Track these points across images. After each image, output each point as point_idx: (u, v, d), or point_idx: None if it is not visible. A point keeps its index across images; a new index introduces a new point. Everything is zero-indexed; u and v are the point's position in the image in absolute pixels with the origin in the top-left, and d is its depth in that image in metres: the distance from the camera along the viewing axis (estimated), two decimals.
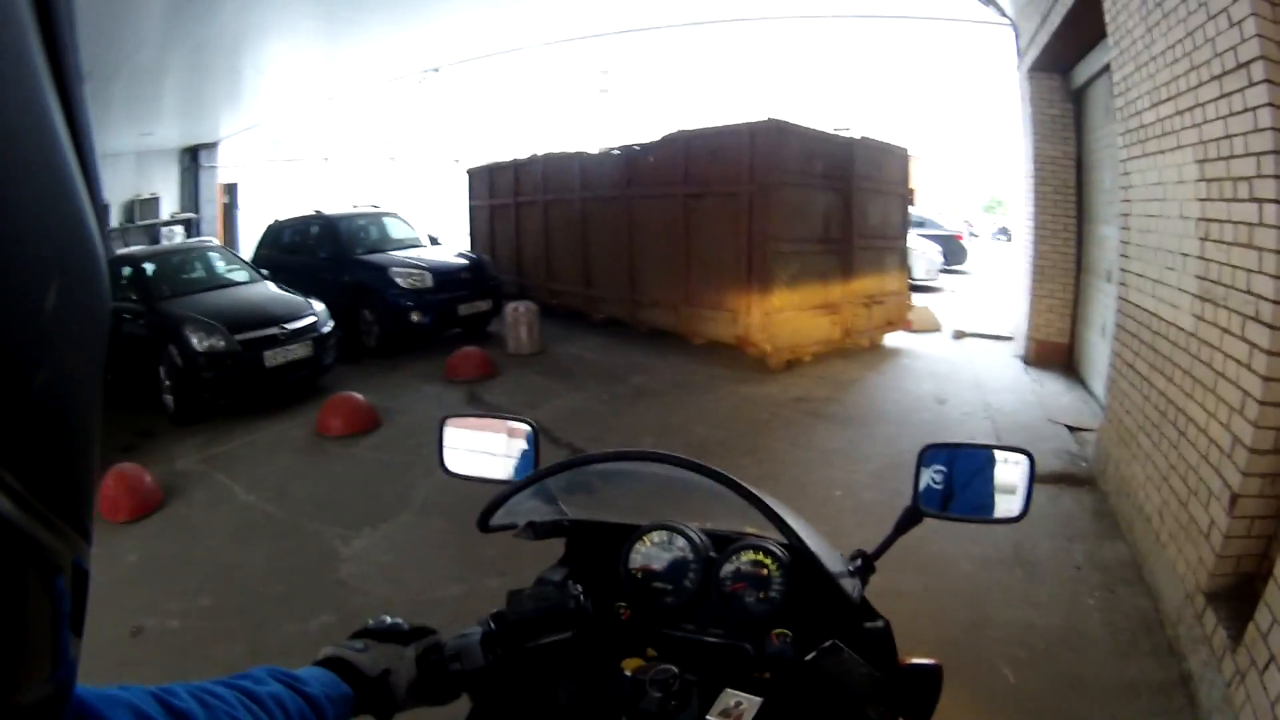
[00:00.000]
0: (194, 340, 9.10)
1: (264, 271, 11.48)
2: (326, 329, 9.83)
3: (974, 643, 4.21)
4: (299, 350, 9.46)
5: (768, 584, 1.64)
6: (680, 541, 1.74)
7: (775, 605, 1.62)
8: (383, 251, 12.63)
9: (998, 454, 1.75)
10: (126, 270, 11.21)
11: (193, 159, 26.04)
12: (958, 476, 1.75)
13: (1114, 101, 6.18)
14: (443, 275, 11.78)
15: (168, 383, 9.49)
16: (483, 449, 2.04)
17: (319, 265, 12.47)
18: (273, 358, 9.29)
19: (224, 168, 26.84)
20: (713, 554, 1.71)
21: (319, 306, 9.95)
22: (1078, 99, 9.49)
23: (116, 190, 25.57)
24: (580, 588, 1.58)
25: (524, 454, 1.97)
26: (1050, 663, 4.05)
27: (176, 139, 25.16)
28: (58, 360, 0.41)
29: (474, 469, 2.02)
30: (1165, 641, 4.20)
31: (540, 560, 1.87)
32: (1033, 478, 1.72)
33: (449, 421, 2.06)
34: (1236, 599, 3.61)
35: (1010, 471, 1.73)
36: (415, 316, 11.33)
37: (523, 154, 15.21)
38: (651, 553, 1.75)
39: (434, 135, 27.44)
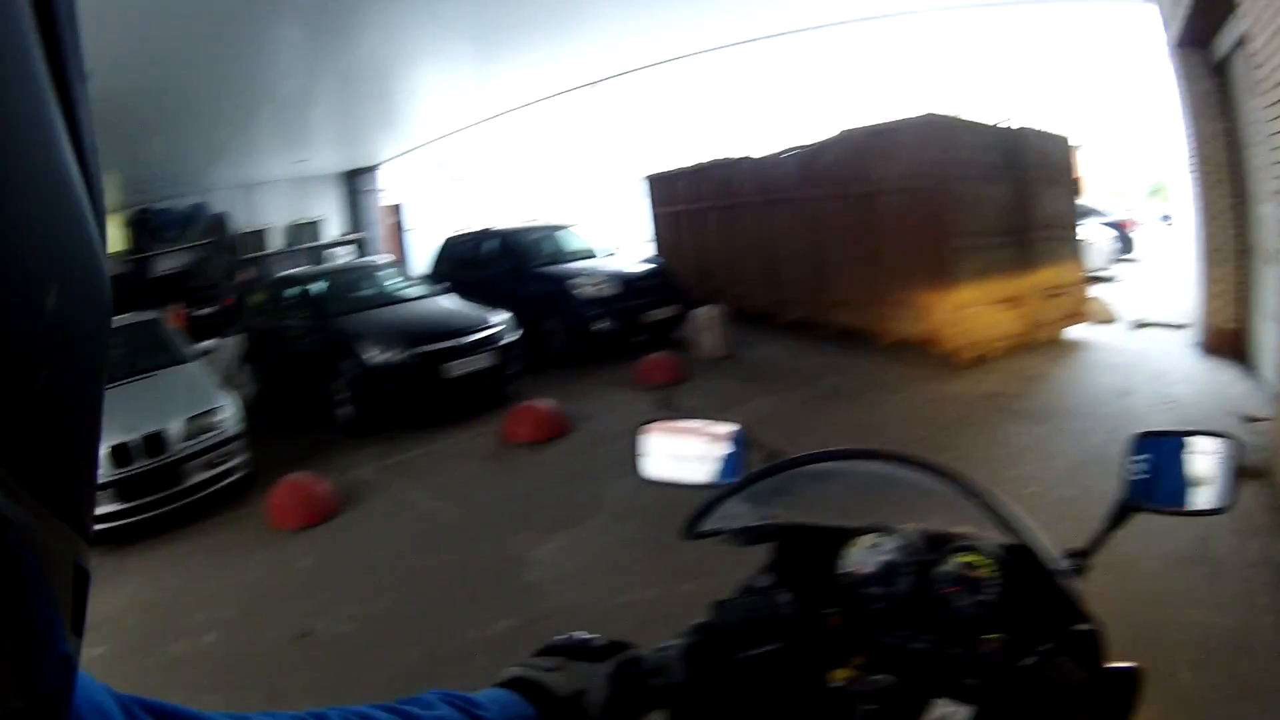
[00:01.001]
0: (368, 354, 9.39)
1: (444, 285, 11.78)
2: (510, 339, 9.98)
3: (1155, 643, 4.01)
4: (481, 361, 9.65)
5: (982, 586, 1.53)
6: (893, 543, 1.63)
7: (988, 608, 1.52)
8: (560, 263, 12.76)
9: (1200, 440, 1.64)
10: (293, 290, 11.69)
11: (354, 182, 26.92)
12: (1162, 466, 1.65)
13: (1253, 74, 5.88)
14: (625, 283, 11.86)
15: (343, 396, 9.74)
16: (682, 454, 1.97)
17: (497, 279, 12.64)
18: (452, 369, 9.47)
19: (387, 189, 27.56)
20: (926, 556, 1.61)
21: (503, 316, 10.13)
22: (1221, 72, 9.00)
23: (277, 214, 26.61)
24: (789, 595, 1.54)
25: (728, 458, 1.89)
26: (1225, 665, 3.89)
27: (335, 164, 25.98)
28: (58, 361, 0.41)
29: (673, 474, 1.98)
30: None
31: (732, 566, 1.80)
32: (1237, 464, 1.61)
33: (647, 427, 2.03)
34: None
35: (1209, 459, 1.62)
36: (599, 325, 11.40)
37: (699, 160, 15.22)
38: (863, 556, 1.63)
39: (599, 147, 27.67)
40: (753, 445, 1.88)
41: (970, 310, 9.78)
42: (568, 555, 5.85)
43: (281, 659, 5.42)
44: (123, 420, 7.94)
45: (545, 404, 8.77)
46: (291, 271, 14.54)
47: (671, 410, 8.38)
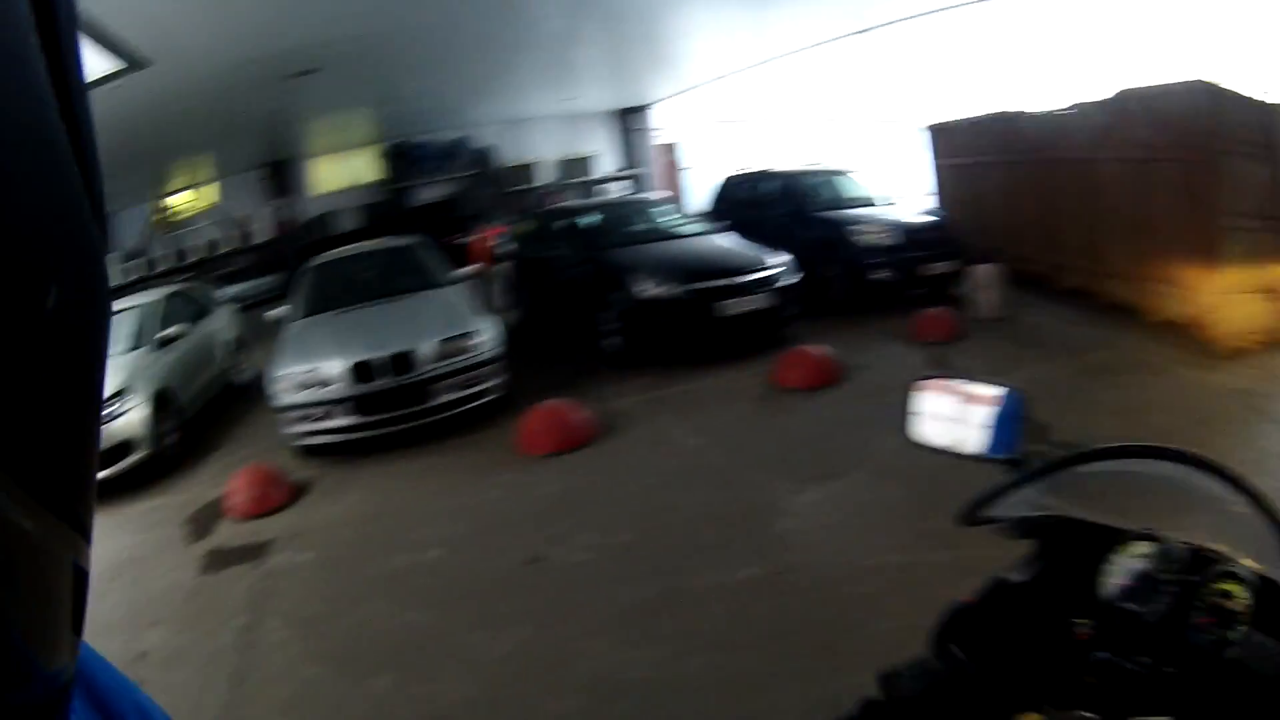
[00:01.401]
0: (640, 287, 9.65)
1: (722, 224, 11.99)
2: (789, 281, 10.07)
3: None
4: (757, 301, 9.75)
5: (1234, 619, 1.34)
6: (1163, 556, 1.44)
7: (1228, 644, 1.32)
8: (839, 209, 12.69)
9: None
10: (563, 222, 12.12)
11: (627, 121, 27.49)
12: None
13: None
14: (904, 234, 11.72)
15: (611, 327, 10.03)
16: (955, 418, 1.84)
17: (776, 221, 12.65)
18: (726, 307, 9.60)
19: (662, 129, 27.92)
20: (1189, 576, 1.41)
21: (783, 258, 10.23)
22: None
23: (546, 149, 27.37)
24: (961, 653, 1.45)
25: (1003, 428, 1.75)
26: None
27: (605, 102, 26.51)
28: (58, 361, 0.41)
29: (944, 439, 1.87)
30: None
31: (987, 542, 1.73)
32: None
33: (922, 384, 1.91)
34: None
35: None
36: (878, 274, 11.33)
37: (976, 113, 14.77)
38: (1129, 565, 1.45)
39: (877, 94, 27.16)
40: (1026, 419, 1.77)
41: (1232, 297, 9.24)
42: (823, 509, 5.83)
43: (506, 582, 5.61)
44: (372, 339, 8.49)
45: (818, 350, 8.81)
46: (564, 203, 15.10)
47: (946, 369, 8.49)
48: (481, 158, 27.77)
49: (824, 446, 6.94)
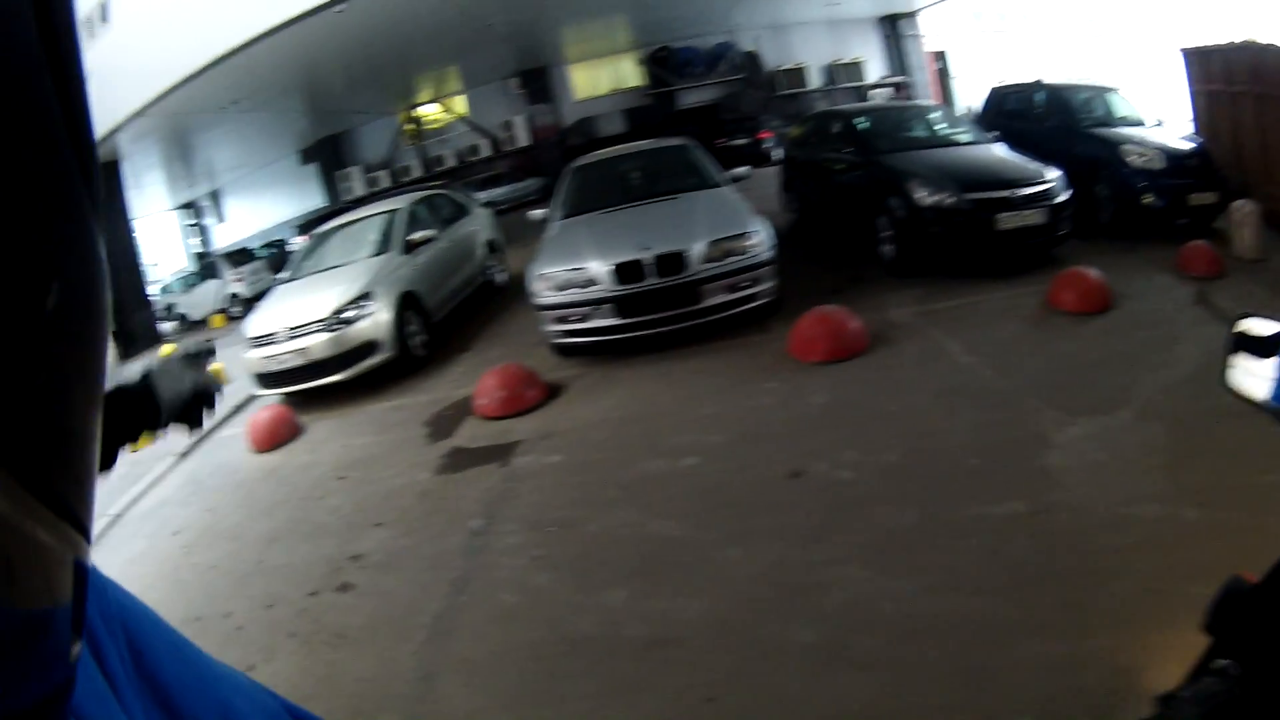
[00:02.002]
0: (921, 193, 9.22)
1: (995, 134, 11.38)
2: (1062, 198, 9.39)
3: None
4: (1032, 216, 9.14)
5: None
6: None
7: None
8: (1109, 127, 11.87)
9: None
10: (837, 125, 11.81)
11: (893, 27, 27.26)
12: None
13: None
14: (1173, 160, 10.79)
15: (887, 234, 9.74)
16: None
17: (1045, 134, 12.06)
18: (1004, 221, 9.06)
19: (928, 36, 27.63)
20: None
21: (1054, 173, 9.55)
22: None
23: (814, 54, 27.50)
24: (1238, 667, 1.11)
25: None
26: None
27: (871, 8, 26.13)
28: (59, 361, 0.41)
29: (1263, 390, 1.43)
30: None
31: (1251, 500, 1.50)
32: None
33: (1243, 324, 1.41)
34: None
35: None
36: (1147, 199, 10.51)
37: (1233, 39, 13.27)
38: None
39: (1138, 12, 25.53)
40: None
41: None
42: (1088, 446, 5.37)
43: (762, 496, 5.38)
44: (638, 239, 8.33)
45: (1092, 273, 8.16)
46: (838, 107, 14.83)
47: (1206, 308, 7.75)
48: (748, 62, 28.09)
49: (1093, 377, 6.48)
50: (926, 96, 26.37)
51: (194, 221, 40.18)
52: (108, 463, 1.40)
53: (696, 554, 4.85)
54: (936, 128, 11.62)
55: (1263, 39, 12.32)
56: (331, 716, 4.05)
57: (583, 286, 8.31)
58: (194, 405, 1.64)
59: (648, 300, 8.18)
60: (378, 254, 10.58)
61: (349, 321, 9.27)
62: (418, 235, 11.00)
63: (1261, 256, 9.65)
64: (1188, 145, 11.47)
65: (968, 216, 9.04)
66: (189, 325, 24.82)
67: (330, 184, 33.21)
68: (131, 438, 1.52)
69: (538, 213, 10.86)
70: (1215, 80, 13.60)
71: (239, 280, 24.20)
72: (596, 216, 9.59)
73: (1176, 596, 3.16)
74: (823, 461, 5.61)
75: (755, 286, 8.33)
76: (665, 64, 28.33)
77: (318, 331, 9.23)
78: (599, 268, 8.27)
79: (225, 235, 37.36)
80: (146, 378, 1.55)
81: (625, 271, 8.16)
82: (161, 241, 40.13)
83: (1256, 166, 12.18)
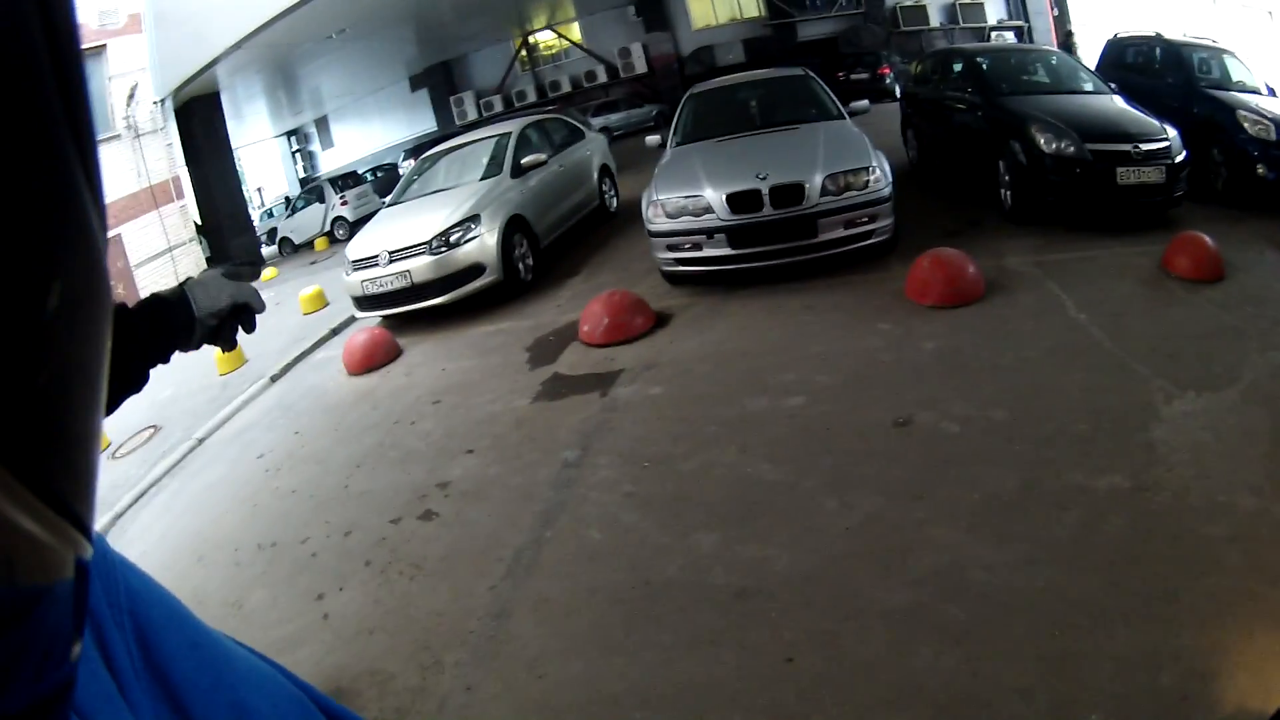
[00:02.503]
0: (1042, 140, 8.89)
1: (1113, 86, 10.90)
2: (1180, 158, 8.96)
3: None
4: (1151, 174, 8.73)
5: None
6: None
7: None
8: (1225, 90, 11.23)
9: None
10: (959, 65, 11.56)
11: None
12: None
13: None
14: None
15: (1007, 178, 9.42)
16: None
17: (1163, 90, 11.49)
18: (1124, 175, 8.68)
19: None
20: None
21: (1173, 132, 9.13)
22: None
23: None
24: None
25: None
26: None
27: None
28: (60, 361, 0.41)
29: None
30: None
31: None
32: None
33: None
34: None
35: None
36: (1261, 169, 9.86)
37: None
38: None
39: None
40: None
41: None
42: (1193, 423, 5.11)
43: (866, 443, 5.23)
44: (754, 168, 8.10)
45: (1208, 241, 7.74)
46: (961, 46, 14.41)
47: None
48: None
49: (1203, 349, 6.16)
50: (1047, 42, 25.82)
51: (299, 148, 40.86)
52: (139, 382, 1.37)
53: (793, 501, 4.71)
54: (1058, 73, 11.19)
55: None
56: (398, 649, 4.09)
57: (696, 214, 8.12)
58: (230, 321, 1.60)
59: (762, 232, 7.95)
60: (487, 177, 10.55)
61: (454, 244, 9.34)
62: (528, 159, 10.92)
63: None
64: None
65: (1088, 167, 8.71)
66: (294, 248, 25.25)
67: (442, 108, 33.54)
68: (163, 356, 1.47)
69: (654, 138, 10.75)
70: None
71: (344, 204, 24.53)
72: (713, 144, 9.38)
73: (1264, 600, 3.18)
74: (931, 411, 5.44)
75: (873, 223, 8.04)
76: None
77: (421, 254, 9.31)
78: (713, 196, 8.05)
79: (333, 160, 38.00)
80: (183, 289, 1.53)
81: (740, 201, 7.92)
82: (268, 168, 40.98)
83: None
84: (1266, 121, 10.04)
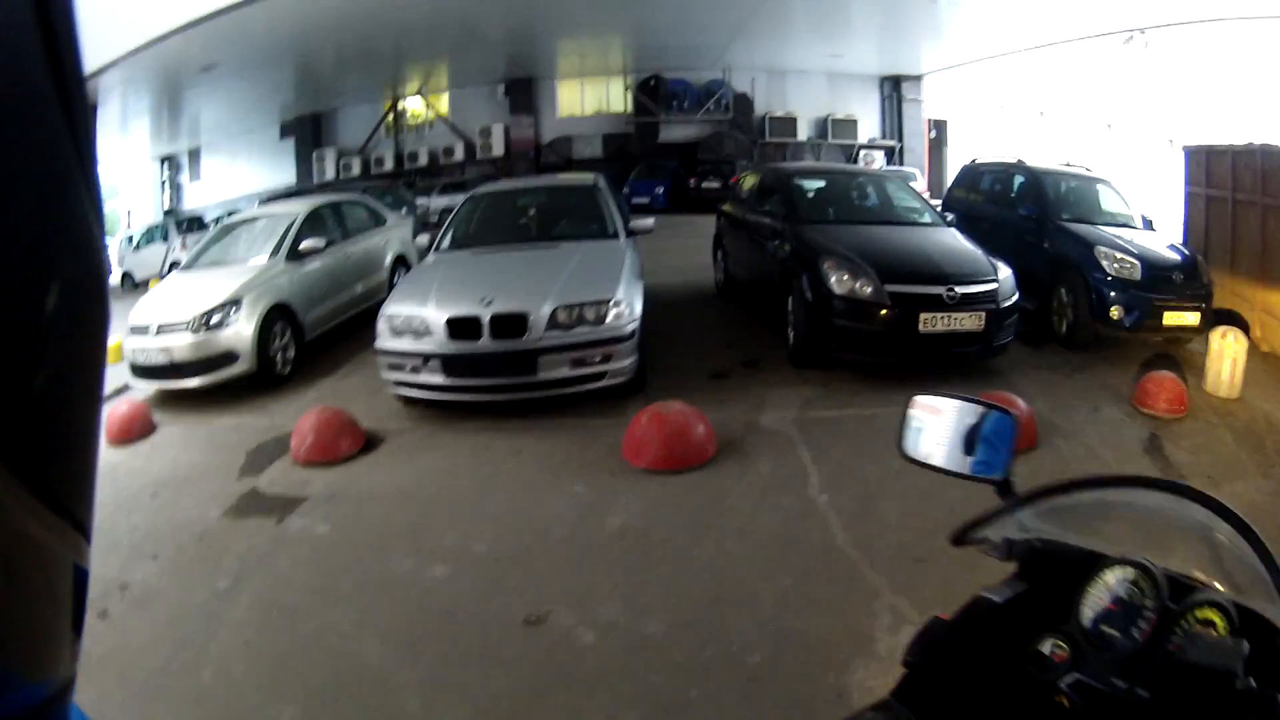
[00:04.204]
0: (833, 278, 8.21)
1: (949, 217, 10.47)
2: (1007, 303, 8.30)
3: None
4: (966, 321, 8.03)
5: (1214, 650, 1.34)
6: (1142, 583, 1.47)
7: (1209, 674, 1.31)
8: (1090, 223, 10.75)
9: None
10: (776, 183, 11.00)
11: (894, 88, 27.52)
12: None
13: None
14: (1153, 270, 9.63)
15: (793, 317, 8.83)
16: (945, 435, 1.85)
17: (1016, 222, 11.13)
18: (928, 322, 7.97)
19: (929, 102, 27.80)
20: (1169, 603, 1.44)
21: (1004, 273, 8.46)
22: None
23: (809, 105, 27.63)
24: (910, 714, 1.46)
25: (992, 449, 1.77)
26: None
27: (874, 66, 26.39)
28: (58, 361, 0.41)
29: (933, 456, 1.86)
30: None
31: None
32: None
33: (917, 401, 1.91)
34: None
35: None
36: (1115, 313, 9.43)
37: (1241, 141, 12.13)
38: (1108, 590, 1.49)
39: (1147, 105, 25.36)
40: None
41: None
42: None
43: (484, 640, 4.65)
44: (488, 291, 7.57)
45: (1020, 401, 6.88)
46: (781, 164, 14.41)
47: (1157, 458, 6.80)
48: (738, 103, 28.21)
49: (969, 554, 5.29)
50: (918, 164, 26.32)
51: (168, 176, 40.05)
52: None
53: (379, 694, 4.21)
54: (888, 201, 10.70)
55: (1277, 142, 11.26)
56: None
57: (417, 336, 7.57)
58: None
59: (477, 364, 7.46)
60: (267, 256, 10.12)
61: (213, 327, 8.89)
62: (306, 244, 10.44)
63: (1238, 396, 8.42)
64: (1175, 255, 10.31)
65: (884, 311, 7.99)
66: (134, 285, 24.51)
67: (304, 162, 33.02)
68: None
69: (424, 238, 10.23)
70: (1217, 184, 12.53)
71: (183, 249, 23.84)
72: (470, 256, 8.96)
73: None
74: (574, 611, 4.71)
75: (606, 363, 7.47)
76: (654, 93, 28.35)
77: (183, 332, 8.87)
78: (435, 318, 7.50)
79: (198, 195, 37.22)
80: None
81: (460, 327, 7.40)
82: (141, 192, 40.00)
83: (1252, 286, 11.10)
84: (1131, 260, 9.60)
